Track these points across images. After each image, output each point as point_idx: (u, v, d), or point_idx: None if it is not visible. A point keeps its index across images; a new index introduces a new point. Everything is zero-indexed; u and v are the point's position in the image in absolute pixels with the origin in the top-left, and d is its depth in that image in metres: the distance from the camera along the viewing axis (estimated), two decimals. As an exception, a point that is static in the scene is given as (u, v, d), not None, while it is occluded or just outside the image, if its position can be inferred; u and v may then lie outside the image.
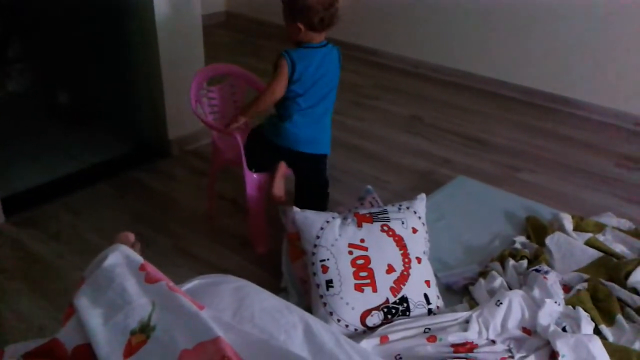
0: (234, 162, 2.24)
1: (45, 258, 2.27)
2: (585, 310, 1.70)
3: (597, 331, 1.69)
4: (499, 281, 1.87)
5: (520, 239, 2.18)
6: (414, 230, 1.83)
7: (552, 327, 1.62)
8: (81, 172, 2.87)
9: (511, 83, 3.87)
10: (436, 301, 1.78)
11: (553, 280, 1.83)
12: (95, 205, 2.62)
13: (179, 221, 2.50)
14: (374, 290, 1.72)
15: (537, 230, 2.21)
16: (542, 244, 2.11)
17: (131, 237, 1.17)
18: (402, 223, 1.83)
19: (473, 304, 1.81)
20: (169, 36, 2.83)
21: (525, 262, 1.98)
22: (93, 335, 0.95)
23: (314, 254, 1.77)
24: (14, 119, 3.28)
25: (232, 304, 1.07)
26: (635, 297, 1.80)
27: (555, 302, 1.72)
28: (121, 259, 1.08)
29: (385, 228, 1.81)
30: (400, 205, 1.89)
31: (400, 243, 1.79)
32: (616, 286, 1.85)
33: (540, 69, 3.74)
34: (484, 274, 1.95)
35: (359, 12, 4.49)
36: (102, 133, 3.22)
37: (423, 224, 1.89)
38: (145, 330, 0.96)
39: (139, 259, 1.09)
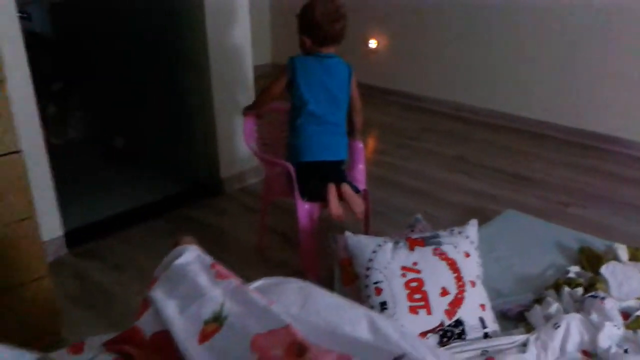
0: (285, 193, 2.31)
1: (105, 286, 2.36)
2: (647, 334, 1.66)
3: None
4: (555, 307, 1.85)
5: (575, 268, 2.15)
6: (467, 255, 1.85)
7: (613, 349, 1.59)
8: (137, 209, 2.99)
9: (553, 123, 3.89)
10: (492, 325, 1.77)
11: (611, 305, 1.80)
12: (151, 239, 2.72)
13: (231, 253, 2.57)
14: (429, 312, 1.72)
15: (591, 260, 2.18)
16: (597, 273, 2.08)
17: (192, 240, 1.23)
18: (455, 247, 1.84)
19: (529, 328, 1.79)
20: (223, 84, 3.00)
21: (581, 290, 1.95)
22: (170, 323, 1.01)
23: (367, 276, 1.80)
24: (75, 162, 3.46)
25: (298, 300, 1.11)
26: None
27: (615, 326, 1.69)
28: (193, 257, 1.14)
29: (438, 251, 1.82)
30: (452, 230, 1.91)
31: (454, 266, 1.80)
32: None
33: (583, 108, 3.76)
34: (539, 300, 1.93)
35: (398, 59, 4.63)
36: (158, 173, 3.36)
37: (475, 248, 1.90)
38: (218, 319, 1.01)
39: (209, 258, 1.15)
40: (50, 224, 2.48)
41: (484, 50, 4.14)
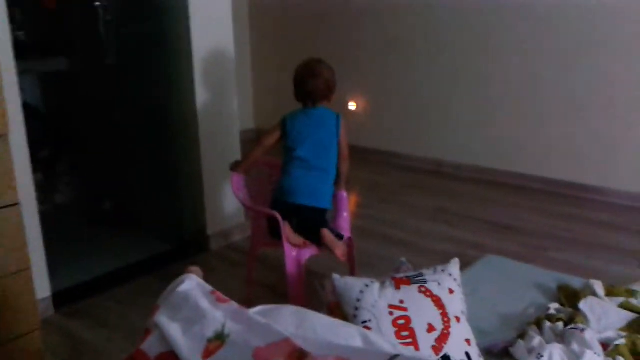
0: (272, 243, 2.39)
1: (95, 344, 2.37)
2: (626, 360, 1.72)
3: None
4: (537, 340, 1.90)
5: (555, 305, 2.22)
6: (451, 291, 1.91)
7: (594, 376, 1.65)
8: (125, 268, 3.02)
9: (530, 175, 4.05)
10: (478, 359, 1.82)
11: (590, 336, 1.87)
12: (140, 296, 2.74)
13: (220, 306, 2.59)
14: (417, 349, 1.77)
15: (569, 296, 2.26)
16: (576, 308, 2.15)
17: (199, 271, 1.30)
18: (439, 284, 1.91)
19: (514, 362, 1.85)
20: (210, 147, 3.13)
21: (561, 324, 2.02)
22: (174, 343, 1.06)
23: (355, 316, 1.85)
24: (63, 225, 3.49)
25: (294, 321, 1.17)
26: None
27: (595, 354, 1.75)
28: (194, 285, 1.20)
29: (423, 289, 1.89)
30: (436, 269, 1.99)
31: (439, 303, 1.86)
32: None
33: (559, 160, 3.93)
34: (521, 336, 1.99)
35: (377, 119, 4.82)
36: (146, 233, 3.41)
37: (459, 285, 1.97)
38: (220, 337, 1.06)
39: (209, 286, 1.22)
40: (38, 284, 2.50)
41: (461, 108, 4.34)
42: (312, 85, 2.39)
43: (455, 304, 1.89)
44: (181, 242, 3.29)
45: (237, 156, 3.24)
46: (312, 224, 2.31)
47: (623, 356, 1.78)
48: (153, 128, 3.31)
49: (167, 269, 2.98)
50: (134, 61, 3.32)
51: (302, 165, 2.36)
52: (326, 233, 2.31)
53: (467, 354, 1.80)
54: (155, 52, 3.15)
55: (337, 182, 2.50)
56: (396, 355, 1.00)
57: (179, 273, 2.85)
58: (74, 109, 3.83)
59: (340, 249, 2.31)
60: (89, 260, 3.09)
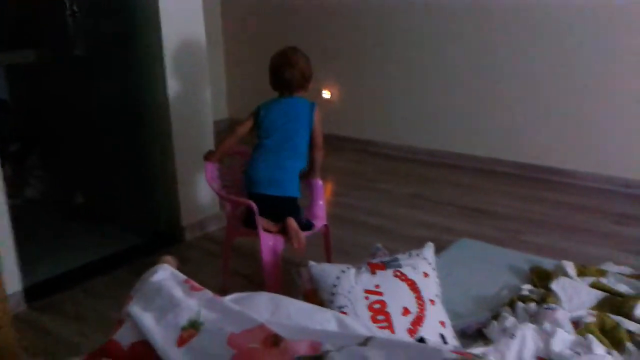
0: (246, 232, 2.38)
1: (68, 338, 2.33)
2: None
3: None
4: (510, 320, 1.94)
5: (527, 286, 2.26)
6: (425, 275, 1.93)
7: (566, 353, 1.68)
8: (98, 261, 2.98)
9: (504, 160, 4.09)
10: (452, 341, 1.84)
11: (562, 315, 1.91)
12: (114, 289, 2.70)
13: (196, 297, 2.57)
14: (392, 332, 1.78)
15: (541, 277, 2.30)
16: (548, 289, 2.20)
17: (173, 261, 1.29)
18: (414, 268, 1.93)
19: (488, 343, 1.87)
20: (183, 137, 3.10)
21: (534, 304, 2.06)
22: (148, 332, 1.05)
23: (332, 302, 1.86)
24: (33, 220, 3.43)
25: (269, 307, 1.17)
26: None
27: (566, 332, 1.78)
28: (167, 274, 1.19)
29: (398, 273, 1.91)
30: (411, 253, 2.01)
31: (414, 286, 1.88)
32: (624, 319, 1.92)
33: (530, 144, 3.98)
34: (495, 317, 2.02)
35: (352, 108, 4.81)
36: (119, 225, 3.36)
37: (433, 269, 1.99)
38: (194, 325, 1.05)
39: (183, 275, 1.21)
40: (8, 279, 2.45)
41: (433, 95, 4.36)
42: (288, 75, 2.37)
43: (430, 288, 1.91)
44: (155, 234, 3.26)
45: (211, 146, 3.21)
46: (280, 212, 2.30)
47: (593, 333, 1.81)
48: (124, 120, 3.26)
49: (141, 262, 2.94)
50: (103, 52, 3.26)
51: (267, 156, 2.35)
52: (291, 222, 2.30)
53: (442, 336, 1.83)
54: (125, 43, 3.09)
55: (311, 171, 2.50)
56: (370, 337, 1.00)
57: (152, 265, 2.82)
58: (44, 102, 3.75)
59: (299, 241, 2.28)
60: (60, 254, 3.04)
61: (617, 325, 1.88)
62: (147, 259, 2.94)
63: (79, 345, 2.26)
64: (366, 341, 0.98)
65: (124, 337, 1.08)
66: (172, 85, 2.99)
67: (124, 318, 1.15)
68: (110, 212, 3.55)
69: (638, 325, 1.90)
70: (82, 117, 3.49)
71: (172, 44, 2.94)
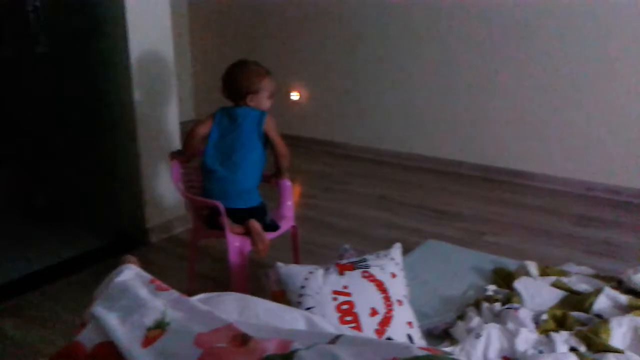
0: (212, 233, 2.36)
1: (27, 342, 2.26)
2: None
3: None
4: (476, 320, 1.97)
5: (492, 287, 2.30)
6: (393, 275, 1.95)
7: (530, 351, 1.72)
8: (60, 264, 2.91)
9: (467, 162, 4.16)
10: (419, 341, 1.86)
11: (524, 314, 1.94)
12: (75, 293, 2.64)
13: (162, 299, 2.54)
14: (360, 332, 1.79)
15: (504, 278, 2.35)
16: (511, 288, 2.24)
17: (135, 261, 1.26)
18: (382, 269, 1.94)
19: (454, 342, 1.90)
20: (149, 140, 3.05)
21: (498, 304, 2.09)
22: (113, 332, 1.02)
23: (299, 303, 1.85)
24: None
25: (237, 308, 1.16)
26: (598, 320, 1.93)
27: (529, 331, 1.82)
28: (132, 274, 1.17)
29: (366, 274, 1.92)
30: (378, 254, 2.02)
31: (381, 287, 1.89)
32: (582, 314, 1.98)
33: (491, 147, 4.05)
34: (461, 317, 2.05)
35: (320, 110, 4.83)
36: (82, 228, 3.29)
37: (401, 269, 2.01)
38: (160, 325, 1.03)
39: (149, 275, 1.18)
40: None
41: (401, 98, 4.40)
42: (230, 85, 2.38)
43: (398, 288, 1.93)
44: (119, 235, 3.20)
45: (177, 147, 3.18)
46: (242, 216, 2.31)
47: (552, 331, 1.86)
48: (88, 120, 3.19)
49: (104, 264, 2.88)
50: (66, 50, 3.19)
51: (207, 176, 2.35)
52: (253, 224, 2.29)
53: (409, 336, 1.84)
54: (90, 40, 3.03)
55: (278, 173, 2.49)
56: (339, 335, 1.01)
57: (115, 267, 2.80)
58: (4, 100, 3.65)
59: (263, 243, 2.28)
60: (20, 257, 2.95)
61: (566, 314, 1.94)
62: (109, 262, 2.89)
63: (40, 350, 2.20)
64: (335, 339, 0.99)
65: (87, 338, 1.05)
66: (138, 85, 2.94)
67: (87, 319, 1.12)
68: (73, 213, 3.47)
69: (593, 317, 1.96)
70: (44, 116, 3.41)
71: (138, 42, 2.90)
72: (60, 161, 3.45)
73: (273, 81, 2.43)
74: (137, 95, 2.95)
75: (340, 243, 3.01)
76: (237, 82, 2.37)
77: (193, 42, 5.50)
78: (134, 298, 1.10)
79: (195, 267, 2.59)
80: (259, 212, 2.37)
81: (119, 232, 3.23)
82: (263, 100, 2.38)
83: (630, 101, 3.53)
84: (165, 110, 3.14)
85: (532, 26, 3.75)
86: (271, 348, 0.95)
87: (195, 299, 1.21)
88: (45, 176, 3.59)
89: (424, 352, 0.92)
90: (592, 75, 3.62)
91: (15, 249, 3.03)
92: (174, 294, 1.13)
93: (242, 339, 0.97)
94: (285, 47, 4.87)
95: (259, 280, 2.32)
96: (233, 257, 2.26)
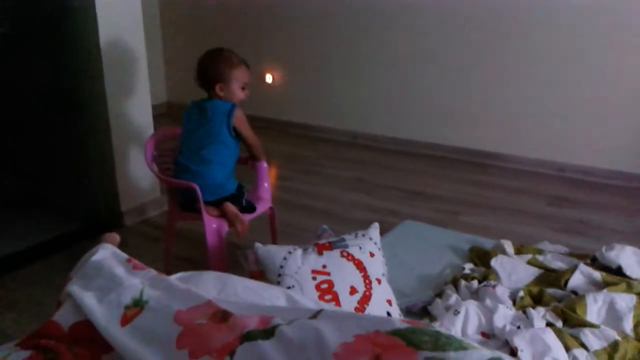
0: (188, 215, 2.33)
1: (1, 326, 2.22)
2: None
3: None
4: (454, 298, 1.98)
5: (469, 265, 2.32)
6: (372, 255, 1.95)
7: (508, 327, 1.74)
8: (32, 248, 2.85)
9: (441, 144, 4.18)
10: (399, 318, 1.86)
11: (501, 291, 1.97)
12: (48, 277, 2.59)
13: (137, 283, 2.50)
14: (339, 312, 1.79)
15: (481, 256, 2.37)
16: (488, 267, 2.26)
17: (117, 237, 1.24)
18: (360, 248, 1.94)
19: (433, 319, 1.91)
20: (121, 121, 3.00)
21: (475, 282, 2.11)
22: (89, 311, 1.00)
23: (279, 283, 1.84)
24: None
25: (216, 286, 1.14)
26: (574, 296, 1.96)
27: (507, 307, 1.84)
28: (108, 254, 1.14)
29: (345, 254, 1.91)
30: (357, 233, 2.01)
31: (360, 266, 1.89)
32: (558, 290, 2.01)
33: (466, 129, 4.08)
34: (439, 295, 2.07)
35: (295, 92, 4.79)
36: (54, 211, 3.23)
37: (379, 249, 2.01)
38: (138, 304, 1.01)
39: (125, 254, 1.16)
40: None
41: (375, 81, 4.39)
42: (201, 73, 2.33)
43: (376, 267, 1.93)
44: (93, 219, 3.14)
45: (150, 130, 3.13)
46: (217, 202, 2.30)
47: (528, 306, 1.89)
48: (58, 102, 3.11)
49: (78, 247, 2.83)
50: (33, 30, 3.09)
51: (186, 164, 2.30)
52: (228, 207, 2.27)
53: (389, 314, 1.85)
54: (58, 23, 2.94)
55: (253, 156, 2.47)
56: (320, 310, 1.00)
57: (88, 251, 2.75)
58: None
59: (242, 225, 2.26)
60: (-9, 242, 2.89)
61: (543, 291, 1.97)
62: (83, 245, 2.83)
63: (14, 334, 2.15)
64: (316, 314, 0.98)
65: (64, 317, 1.03)
66: (108, 67, 2.88)
67: (63, 299, 1.10)
68: (45, 197, 3.39)
69: (568, 293, 1.99)
70: (11, 99, 3.31)
71: (108, 23, 2.83)
72: (30, 145, 3.36)
73: (247, 71, 2.36)
74: (108, 77, 2.89)
75: (317, 225, 3.00)
76: (207, 70, 2.31)
77: (163, 24, 5.39)
78: (111, 277, 1.08)
79: (171, 249, 2.56)
80: (234, 198, 2.34)
81: (93, 215, 3.17)
82: (234, 91, 2.31)
83: (604, 84, 3.58)
84: (137, 91, 3.08)
85: (507, 10, 3.76)
86: (252, 324, 0.93)
87: (174, 277, 1.19)
88: (14, 160, 3.50)
89: (406, 325, 0.92)
90: (566, 58, 3.65)
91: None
92: (151, 272, 1.11)
93: (222, 316, 0.96)
94: (258, 29, 4.81)
95: (236, 262, 2.31)
96: (210, 238, 2.24)
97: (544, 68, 3.73)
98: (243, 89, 2.35)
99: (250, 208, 2.39)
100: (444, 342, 0.84)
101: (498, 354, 0.83)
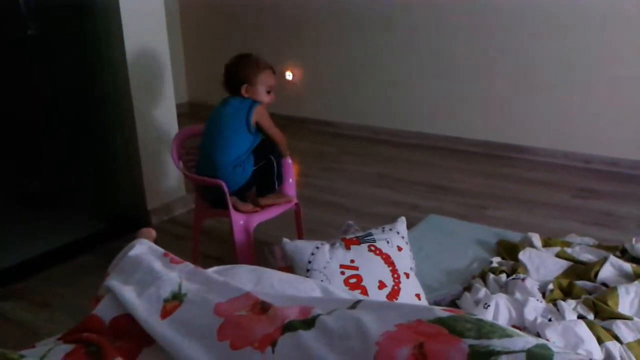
0: (217, 213, 2.35)
1: (34, 324, 2.26)
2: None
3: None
4: (483, 292, 1.97)
5: (497, 259, 2.31)
6: (399, 249, 1.95)
7: (539, 320, 1.72)
8: (62, 248, 2.89)
9: (464, 138, 4.15)
10: (439, 307, 1.86)
11: (531, 284, 1.95)
12: (79, 275, 2.63)
13: (166, 280, 2.53)
14: (369, 306, 1.79)
15: (509, 250, 2.35)
16: (516, 260, 2.25)
17: (153, 232, 1.25)
18: (388, 242, 1.94)
19: (462, 313, 1.90)
20: (146, 120, 3.03)
21: (504, 276, 2.10)
22: (130, 305, 1.02)
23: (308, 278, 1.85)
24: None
25: (252, 279, 1.15)
26: (604, 288, 1.94)
27: (538, 300, 1.83)
28: (145, 249, 1.16)
29: (372, 248, 1.91)
30: (384, 228, 2.01)
31: (388, 260, 1.89)
32: (587, 282, 1.99)
33: (490, 122, 4.05)
34: (467, 288, 2.06)
35: (314, 89, 4.80)
36: (81, 212, 3.27)
37: (406, 243, 2.00)
38: (177, 297, 1.03)
39: (161, 249, 1.17)
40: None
41: (396, 76, 4.38)
42: (228, 76, 2.38)
43: (404, 261, 1.93)
44: (119, 218, 3.18)
45: (174, 129, 3.16)
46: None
47: (558, 298, 1.87)
48: (84, 102, 3.15)
49: (106, 247, 2.87)
50: (58, 32, 3.14)
51: (202, 160, 2.37)
52: (262, 201, 2.36)
53: (418, 308, 1.84)
54: (82, 22, 2.98)
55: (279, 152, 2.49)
56: (359, 300, 1.00)
57: (118, 250, 2.78)
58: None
59: (284, 198, 2.40)
60: (20, 243, 2.94)
61: (572, 284, 1.95)
62: (111, 245, 2.88)
63: (47, 331, 2.19)
64: (355, 304, 0.98)
65: (104, 311, 1.05)
66: (133, 66, 2.91)
67: (102, 294, 1.12)
68: (72, 198, 3.45)
69: (599, 285, 1.97)
70: (38, 100, 3.37)
71: (131, 23, 2.86)
72: (56, 145, 3.41)
73: (272, 75, 2.40)
74: (133, 75, 2.92)
75: (340, 220, 3.01)
76: (234, 73, 2.36)
77: (184, 23, 5.43)
78: (149, 271, 1.10)
79: (198, 247, 2.59)
80: (258, 187, 2.39)
81: (119, 215, 3.21)
82: (260, 94, 2.34)
83: (628, 75, 3.52)
84: (162, 90, 3.11)
85: (534, 3, 3.72)
86: (292, 314, 0.94)
87: (209, 271, 1.21)
88: (40, 161, 3.56)
89: (447, 313, 0.92)
90: (591, 50, 3.60)
91: (14, 235, 3.01)
92: (189, 266, 1.13)
93: (261, 307, 0.97)
94: (278, 26, 4.82)
95: (263, 258, 2.32)
96: (238, 235, 2.26)
97: (570, 61, 3.68)
98: (269, 92, 2.38)
99: (273, 184, 2.42)
100: (487, 330, 0.84)
101: (542, 341, 0.83)
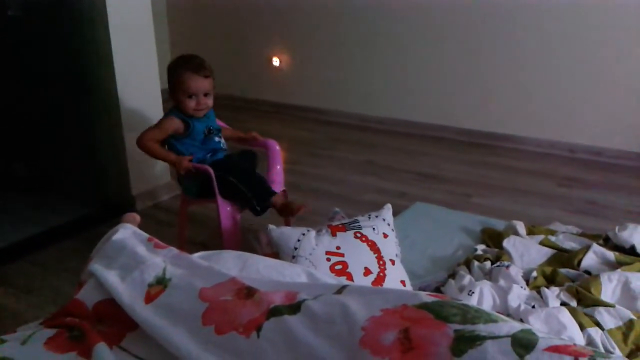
0: (204, 200, 2.34)
1: (16, 309, 2.24)
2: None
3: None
4: (467, 278, 1.98)
5: (481, 246, 2.32)
6: (385, 236, 1.95)
7: (522, 307, 1.74)
8: (46, 232, 2.87)
9: (451, 126, 4.17)
10: (425, 292, 1.87)
11: (515, 271, 1.97)
12: (63, 260, 2.61)
13: (151, 266, 2.52)
14: (354, 292, 1.80)
15: (493, 237, 2.37)
16: (500, 247, 2.26)
17: (137, 217, 1.24)
18: (374, 229, 1.94)
19: (447, 300, 1.92)
20: (131, 105, 2.99)
21: (488, 263, 2.11)
22: (114, 289, 1.01)
23: (293, 264, 1.85)
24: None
25: (237, 264, 1.15)
26: (587, 276, 1.96)
27: (521, 287, 1.84)
28: (129, 233, 1.15)
29: (358, 235, 1.92)
30: (370, 215, 2.02)
31: (374, 247, 1.90)
32: (571, 270, 2.01)
33: (476, 110, 4.06)
34: (452, 275, 2.07)
35: (302, 76, 4.77)
36: (65, 196, 3.24)
37: (392, 230, 2.01)
38: (161, 282, 1.02)
39: (145, 234, 1.16)
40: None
41: (384, 64, 4.37)
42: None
43: (390, 248, 1.94)
44: (104, 204, 3.16)
45: (159, 113, 3.12)
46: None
47: (542, 286, 1.89)
48: (67, 86, 3.11)
49: (90, 232, 2.86)
50: (41, 13, 3.08)
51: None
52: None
53: (403, 295, 1.85)
54: (66, 4, 2.93)
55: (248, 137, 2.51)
56: (345, 285, 1.00)
57: (102, 235, 2.76)
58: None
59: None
60: (4, 227, 2.91)
61: (556, 271, 1.97)
62: (96, 229, 2.86)
63: (30, 316, 2.17)
64: (341, 289, 0.98)
65: (87, 296, 1.04)
66: (118, 49, 2.87)
67: (84, 279, 1.10)
68: (56, 183, 3.41)
69: (582, 273, 1.99)
70: (21, 83, 3.31)
71: (116, 4, 2.82)
72: (40, 130, 3.37)
73: (195, 78, 2.20)
74: (117, 59, 2.88)
75: (327, 208, 3.01)
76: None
77: (169, 6, 5.37)
78: (133, 255, 1.09)
79: (185, 233, 2.57)
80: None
81: (104, 200, 3.19)
82: (180, 100, 2.23)
83: (614, 64, 3.55)
84: (147, 74, 3.07)
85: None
86: (278, 299, 0.94)
87: (194, 256, 1.20)
88: (24, 145, 3.51)
89: (433, 299, 0.92)
90: (575, 38, 3.62)
91: (-1, 219, 2.98)
92: (173, 251, 1.12)
93: (247, 292, 0.97)
94: (266, 12, 4.78)
95: (249, 246, 2.32)
96: (225, 221, 2.25)
97: (554, 49, 3.70)
98: (190, 97, 2.22)
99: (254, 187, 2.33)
100: (473, 315, 0.84)
101: (527, 326, 0.84)
